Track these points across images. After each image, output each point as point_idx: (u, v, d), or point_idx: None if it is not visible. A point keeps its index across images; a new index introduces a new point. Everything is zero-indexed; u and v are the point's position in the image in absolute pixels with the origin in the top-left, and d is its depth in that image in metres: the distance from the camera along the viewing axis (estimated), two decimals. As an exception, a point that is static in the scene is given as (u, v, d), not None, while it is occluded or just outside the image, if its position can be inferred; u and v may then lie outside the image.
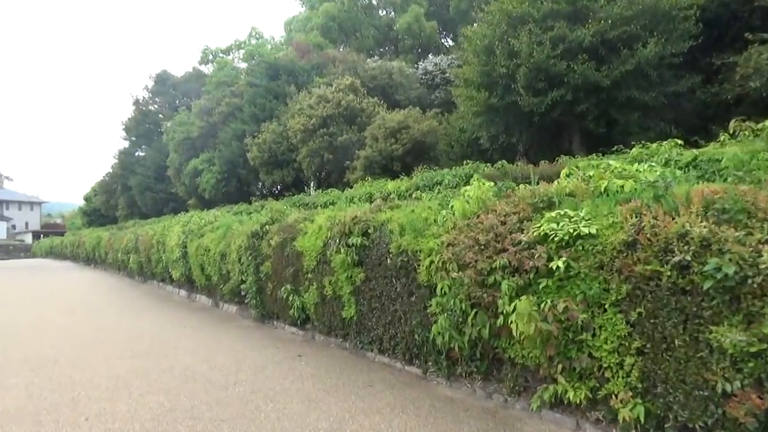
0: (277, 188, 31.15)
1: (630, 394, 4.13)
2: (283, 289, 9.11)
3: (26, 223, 79.97)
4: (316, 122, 23.92)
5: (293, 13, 51.38)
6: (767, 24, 12.24)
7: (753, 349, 3.43)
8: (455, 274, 5.44)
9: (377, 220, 7.36)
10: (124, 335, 9.37)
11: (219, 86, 36.50)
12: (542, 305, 4.58)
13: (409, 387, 5.92)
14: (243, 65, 47.44)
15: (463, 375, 5.83)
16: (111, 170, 54.39)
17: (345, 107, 23.98)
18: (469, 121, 16.24)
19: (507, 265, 4.98)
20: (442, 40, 43.93)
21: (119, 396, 5.86)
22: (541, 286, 4.71)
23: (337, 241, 7.64)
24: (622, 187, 5.02)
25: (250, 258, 10.28)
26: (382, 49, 42.90)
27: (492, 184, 6.45)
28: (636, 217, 4.30)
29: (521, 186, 6.40)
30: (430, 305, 5.99)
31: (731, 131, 7.47)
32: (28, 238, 71.38)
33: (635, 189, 4.85)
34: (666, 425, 3.96)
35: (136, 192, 45.17)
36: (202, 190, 32.27)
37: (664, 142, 8.48)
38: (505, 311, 4.91)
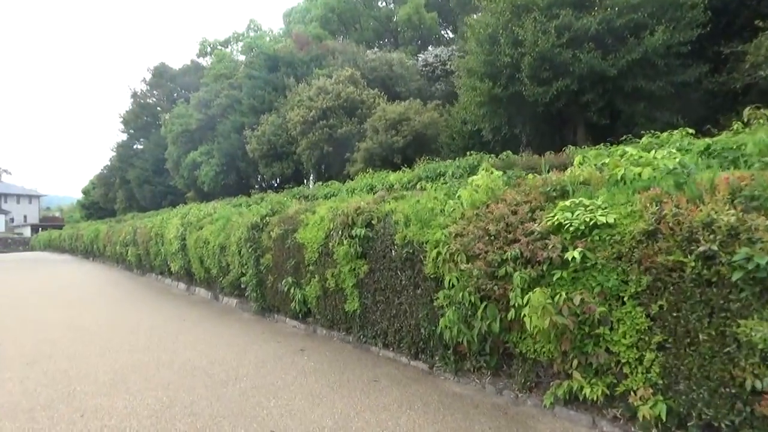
0: (276, 181, 30.91)
1: (650, 390, 3.95)
2: (284, 281, 8.92)
3: (25, 217, 79.67)
4: (316, 114, 23.66)
5: (292, 4, 51.11)
6: (777, 11, 12.02)
7: (786, 344, 3.25)
8: (464, 265, 5.24)
9: (381, 210, 7.16)
10: (122, 329, 9.17)
11: (217, 78, 36.17)
12: (557, 298, 4.39)
13: (416, 382, 5.74)
14: (241, 57, 47.05)
15: (472, 370, 5.65)
16: (109, 163, 54.19)
17: (345, 99, 23.72)
18: (472, 112, 16.00)
19: (519, 256, 4.79)
20: (443, 32, 43.56)
21: (116, 391, 5.67)
22: (555, 278, 4.51)
23: (340, 232, 7.44)
24: (640, 174, 4.81)
25: (250, 250, 10.08)
26: (381, 41, 42.52)
27: (500, 173, 6.24)
28: (656, 205, 4.10)
29: (530, 175, 6.21)
30: (437, 298, 5.80)
31: (745, 119, 7.25)
32: (27, 232, 71.13)
33: (654, 176, 4.65)
34: (689, 423, 3.78)
35: (135, 185, 44.95)
36: (201, 183, 32.05)
37: (675, 132, 8.26)
38: (516, 304, 4.72)
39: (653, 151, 5.20)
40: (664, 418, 3.81)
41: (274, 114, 27.39)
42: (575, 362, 4.39)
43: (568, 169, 5.42)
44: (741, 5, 12.99)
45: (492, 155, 12.08)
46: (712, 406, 3.63)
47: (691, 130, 8.25)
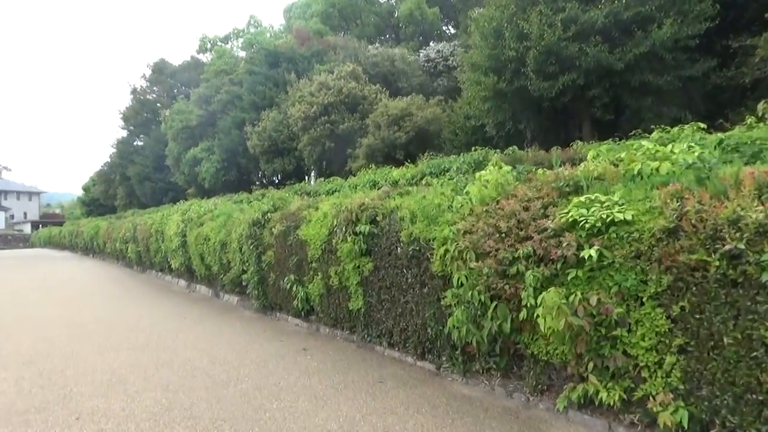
0: (277, 177, 30.77)
1: (670, 396, 3.77)
2: (286, 279, 8.74)
3: (25, 213, 79.56)
4: (317, 110, 23.48)
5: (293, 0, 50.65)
6: (788, 5, 11.79)
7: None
8: (473, 263, 5.07)
9: (386, 207, 6.97)
10: (121, 327, 9.00)
11: (218, 74, 35.97)
12: (571, 298, 4.21)
13: (423, 384, 5.56)
14: (242, 54, 46.80)
15: (481, 371, 5.47)
16: (109, 160, 54.04)
17: (346, 94, 23.54)
18: (476, 107, 15.80)
19: (531, 254, 4.61)
20: (444, 28, 43.31)
21: (114, 392, 5.50)
22: (569, 277, 4.33)
23: (344, 229, 7.26)
24: (657, 169, 4.62)
25: (251, 247, 9.90)
26: (382, 37, 42.24)
27: (509, 168, 6.06)
28: (677, 201, 3.92)
29: (540, 170, 6.02)
30: (445, 297, 5.62)
31: (760, 113, 7.06)
32: (27, 228, 71.01)
33: (673, 171, 4.46)
34: (712, 431, 3.60)
35: (135, 181, 44.80)
36: (201, 179, 31.87)
37: (686, 126, 8.07)
38: (529, 304, 4.54)
39: (670, 146, 5.00)
40: (685, 425, 3.64)
41: (275, 110, 27.21)
42: (591, 365, 4.21)
43: (581, 163, 5.23)
44: (750, -2, 12.79)
45: (497, 150, 11.89)
46: (737, 414, 3.45)
47: (702, 125, 8.06)
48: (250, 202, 17.10)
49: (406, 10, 37.58)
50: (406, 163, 14.70)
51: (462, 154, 12.54)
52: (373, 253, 6.91)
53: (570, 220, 4.44)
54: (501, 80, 13.44)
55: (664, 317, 3.84)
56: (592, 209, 4.33)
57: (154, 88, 50.59)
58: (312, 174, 29.93)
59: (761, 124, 7.19)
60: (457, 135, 20.15)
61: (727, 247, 3.45)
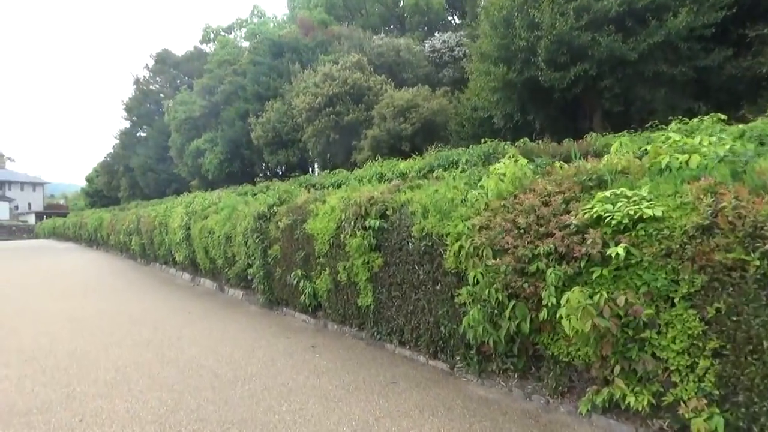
0: (281, 169, 30.52)
1: (704, 401, 3.57)
2: (293, 274, 8.56)
3: (29, 204, 79.62)
4: (322, 101, 23.18)
5: (296, -11, 50.08)
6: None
7: None
8: (490, 261, 4.86)
9: (396, 200, 6.76)
10: (124, 322, 8.85)
11: (221, 65, 35.59)
12: (596, 298, 4.00)
13: (437, 385, 5.38)
14: (245, 44, 46.38)
15: (497, 372, 5.27)
16: (113, 151, 53.91)
17: (351, 85, 23.21)
18: (484, 98, 15.51)
19: (552, 251, 4.39)
20: (450, 18, 42.80)
21: (118, 392, 5.34)
22: (594, 276, 4.12)
23: (353, 223, 7.06)
24: (687, 162, 4.39)
25: (257, 241, 9.72)
26: (387, 27, 41.77)
27: (526, 161, 5.83)
28: (711, 196, 3.70)
29: (557, 163, 5.79)
30: (459, 295, 5.43)
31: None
32: (31, 219, 71.12)
33: (705, 165, 4.23)
34: (749, 439, 3.41)
35: (138, 173, 44.63)
36: (205, 171, 31.66)
37: (705, 117, 7.81)
38: (550, 303, 4.34)
39: (698, 137, 4.77)
40: (721, 433, 3.44)
41: (279, 101, 26.93)
42: (617, 368, 4.01)
43: (604, 156, 5.00)
44: (768, -15, 12.41)
45: (507, 143, 11.63)
46: (777, 421, 3.25)
47: (722, 116, 7.80)
48: (255, 194, 16.91)
49: (411, 0, 37.10)
50: (414, 155, 14.45)
51: (471, 146, 12.28)
52: (383, 248, 6.71)
53: (594, 216, 4.22)
54: (511, 70, 13.14)
55: (697, 319, 3.63)
56: (618, 205, 4.11)
57: (157, 78, 50.26)
58: (315, 166, 29.71)
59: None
60: (464, 127, 19.87)
61: (768, 246, 3.24)
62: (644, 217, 3.93)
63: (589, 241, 4.12)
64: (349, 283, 7.37)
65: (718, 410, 3.51)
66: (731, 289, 3.46)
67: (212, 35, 53.71)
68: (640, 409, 3.89)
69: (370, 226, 6.71)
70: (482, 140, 12.64)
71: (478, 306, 5.07)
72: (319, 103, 23.10)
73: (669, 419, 3.83)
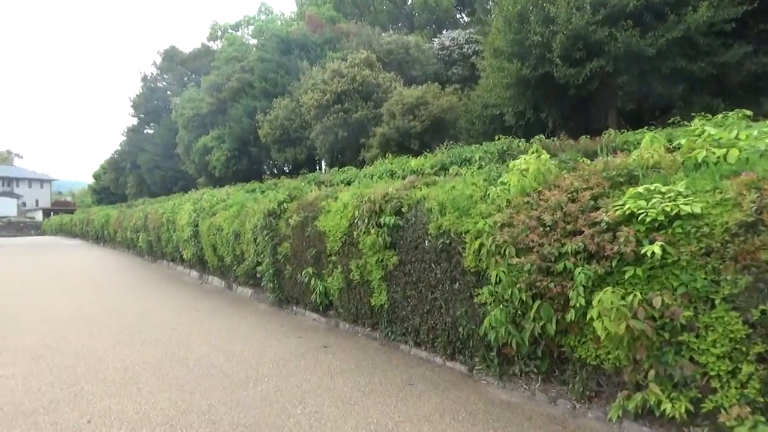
0: (288, 167, 30.39)
1: (747, 409, 3.36)
2: (303, 272, 8.38)
3: (36, 201, 79.95)
4: (330, 98, 23.02)
5: (304, -14, 49.92)
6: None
7: None
8: (514, 259, 4.66)
9: (412, 197, 6.56)
10: (132, 320, 8.71)
11: (229, 61, 35.51)
12: (629, 299, 3.80)
13: (456, 387, 5.18)
14: (253, 41, 46.29)
15: (519, 374, 5.08)
16: (120, 148, 54.07)
17: (360, 82, 23.04)
18: (497, 94, 15.26)
19: (581, 249, 4.19)
20: (458, 16, 42.53)
21: (127, 392, 5.18)
22: (626, 276, 3.92)
23: (366, 220, 6.87)
24: (724, 157, 4.18)
25: (266, 238, 9.55)
26: (395, 25, 41.58)
27: (548, 156, 5.61)
28: (755, 192, 3.49)
29: (581, 159, 5.58)
30: (479, 294, 5.24)
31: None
32: (39, 216, 71.40)
33: (746, 159, 4.01)
34: (798, 450, 3.20)
35: (145, 170, 44.66)
36: (212, 168, 31.57)
37: (730, 114, 7.55)
38: (578, 304, 4.14)
39: (734, 132, 4.55)
40: (767, 443, 3.24)
41: (287, 98, 26.79)
42: (652, 373, 3.80)
43: (634, 151, 4.79)
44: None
45: (521, 140, 11.41)
46: (830, 433, 3.05)
47: (748, 112, 7.54)
48: (263, 191, 16.75)
49: (420, -3, 36.92)
50: (425, 152, 14.24)
51: (484, 143, 12.06)
52: (398, 246, 6.52)
53: (626, 213, 4.02)
54: (524, 66, 12.90)
55: (740, 322, 3.42)
56: (653, 201, 3.90)
57: (165, 75, 50.30)
58: (323, 163, 29.55)
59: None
60: (474, 124, 19.65)
61: (822, 245, 3.03)
62: (681, 214, 3.72)
63: (621, 239, 3.92)
64: (362, 281, 7.18)
65: (763, 419, 3.30)
66: (779, 290, 3.25)
67: (220, 32, 53.67)
68: (676, 416, 3.68)
69: (384, 224, 6.53)
70: (493, 138, 12.44)
71: (500, 306, 4.88)
72: (327, 100, 22.95)
73: (707, 427, 3.63)
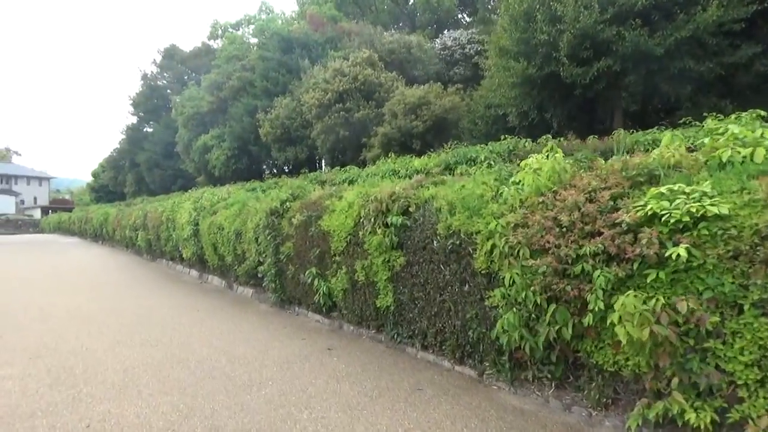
0: (289, 166, 30.23)
1: (777, 420, 3.22)
2: (307, 272, 8.22)
3: (35, 198, 79.69)
4: (332, 97, 22.89)
5: (306, -15, 49.76)
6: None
7: None
8: (529, 261, 4.51)
9: (420, 196, 6.41)
10: (132, 319, 8.55)
11: (229, 60, 35.36)
12: (651, 303, 3.65)
13: (466, 392, 5.03)
14: (253, 40, 46.14)
15: (531, 380, 4.93)
16: (119, 146, 53.89)
17: (362, 82, 22.92)
18: (502, 94, 15.11)
19: (600, 251, 4.04)
20: (459, 16, 42.41)
21: (127, 395, 5.02)
22: (648, 280, 3.77)
23: (372, 220, 6.72)
24: (750, 156, 4.03)
25: (268, 238, 9.39)
26: (397, 24, 41.45)
27: (562, 154, 5.46)
28: (786, 193, 3.35)
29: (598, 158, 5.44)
30: (490, 297, 5.09)
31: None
32: (37, 214, 71.12)
33: (774, 158, 3.87)
34: (832, 464, 3.05)
35: (144, 168, 44.50)
36: (212, 167, 31.41)
37: (743, 114, 7.42)
38: (597, 308, 3.99)
39: (759, 131, 4.41)
40: (799, 457, 3.09)
41: (288, 97, 26.63)
42: (675, 380, 3.65)
43: (654, 150, 4.65)
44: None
45: (527, 140, 11.26)
46: None
47: (762, 113, 7.40)
48: (264, 190, 16.60)
49: (422, -3, 36.77)
50: (429, 152, 14.10)
51: (489, 143, 11.91)
52: (405, 246, 6.37)
53: (648, 213, 3.87)
54: (531, 65, 12.77)
55: (770, 329, 3.27)
56: (677, 202, 3.75)
57: (165, 74, 50.14)
58: (324, 163, 29.39)
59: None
60: (477, 125, 19.52)
61: None
62: (708, 215, 3.57)
63: (644, 241, 3.76)
64: (368, 282, 7.03)
65: (795, 431, 3.15)
66: (813, 296, 3.10)
67: (220, 31, 53.56)
68: (701, 426, 3.53)
69: (391, 223, 6.38)
70: (495, 138, 12.31)
71: (513, 309, 4.73)
72: (329, 100, 22.81)
73: (734, 438, 3.48)
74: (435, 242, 5.88)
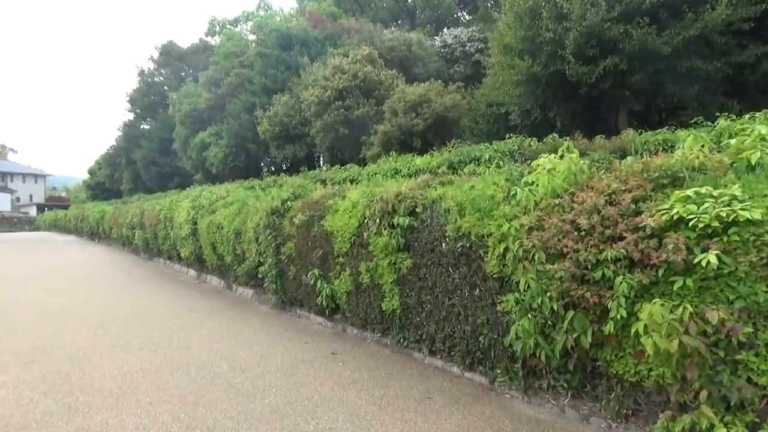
0: (287, 164, 29.98)
1: (815, 437, 3.05)
2: (309, 274, 8.03)
3: (30, 196, 79.16)
4: (332, 94, 22.66)
5: (304, -18, 49.44)
6: None
7: None
8: (547, 265, 4.33)
9: (427, 197, 6.22)
10: (129, 321, 8.35)
11: (227, 57, 35.04)
12: (678, 312, 3.47)
13: (478, 401, 4.85)
14: (251, 37, 45.83)
15: (546, 388, 4.75)
16: (115, 143, 53.55)
17: (362, 79, 22.70)
18: (506, 92, 14.90)
19: (622, 257, 3.86)
20: (459, 14, 42.20)
21: (125, 404, 4.83)
22: (674, 287, 3.59)
23: (378, 221, 6.53)
24: (781, 158, 3.86)
25: (269, 238, 9.18)
26: (396, 22, 41.21)
27: (577, 154, 5.28)
28: (824, 198, 3.17)
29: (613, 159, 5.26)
30: (502, 301, 4.91)
31: None
32: (33, 211, 70.60)
33: (807, 161, 3.70)
34: None
35: (141, 166, 44.18)
36: (209, 165, 31.15)
37: (758, 114, 7.27)
38: (619, 316, 3.81)
39: (787, 131, 4.24)
40: (840, 477, 2.92)
41: (287, 94, 26.38)
42: (704, 393, 3.48)
43: (677, 150, 4.47)
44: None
45: (532, 139, 11.08)
46: None
47: (776, 113, 7.26)
48: (263, 188, 16.38)
49: (423, -6, 36.55)
50: (431, 151, 13.90)
51: (494, 142, 11.72)
52: (412, 248, 6.18)
53: (674, 217, 3.69)
54: (536, 63, 12.58)
55: (807, 341, 3.10)
56: (705, 206, 3.58)
57: (162, 70, 49.80)
58: (321, 161, 29.16)
59: None
60: (478, 123, 19.33)
61: None
62: (739, 220, 3.39)
63: (670, 247, 3.58)
64: (373, 285, 6.84)
65: (835, 449, 2.99)
66: None
67: (218, 28, 53.21)
68: (730, 441, 3.36)
69: (398, 224, 6.19)
70: (497, 137, 12.13)
71: (528, 315, 4.55)
72: (328, 97, 22.59)
73: (766, 455, 3.31)
74: (444, 244, 5.69)
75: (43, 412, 4.62)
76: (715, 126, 7.38)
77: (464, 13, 42.37)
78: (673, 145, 7.78)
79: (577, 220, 4.26)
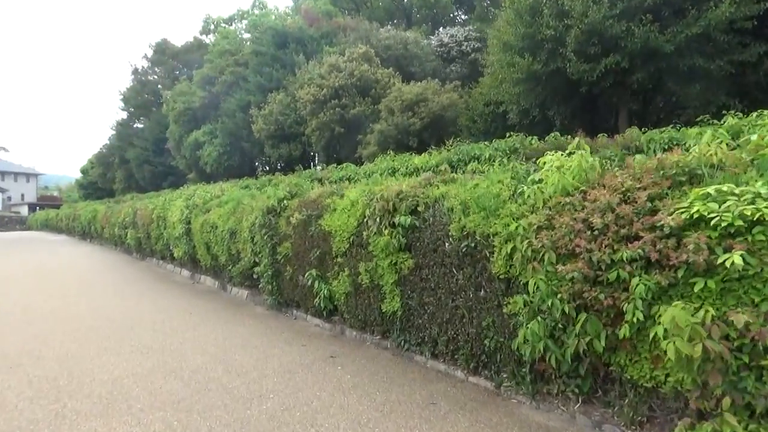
0: (282, 163, 29.72)
1: None
2: (306, 274, 7.82)
3: (22, 195, 78.40)
4: (327, 93, 22.44)
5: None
6: None
7: None
8: (558, 266, 4.15)
9: (429, 195, 6.03)
10: (120, 322, 8.11)
11: (222, 55, 34.72)
12: (701, 315, 3.30)
13: (484, 407, 4.66)
14: (247, 35, 45.50)
15: (555, 394, 4.57)
16: (108, 142, 53.10)
17: (358, 77, 22.49)
18: (505, 90, 14.73)
19: (639, 257, 3.68)
20: (455, 13, 42.07)
21: (115, 410, 4.60)
22: (695, 289, 3.42)
23: (378, 220, 6.34)
24: (804, 155, 3.69)
25: (265, 237, 8.97)
26: (392, 21, 41.01)
27: (589, 151, 5.10)
28: None
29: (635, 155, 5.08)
30: (509, 303, 4.73)
31: None
32: (24, 210, 69.89)
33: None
34: None
35: (134, 165, 43.78)
36: (203, 164, 30.83)
37: (765, 111, 7.14)
38: (635, 319, 3.63)
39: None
40: None
41: (283, 92, 26.13)
42: (726, 400, 3.30)
43: (693, 147, 4.30)
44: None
45: (534, 138, 10.91)
46: None
47: (784, 111, 7.13)
48: (258, 188, 16.15)
49: (419, -7, 36.38)
50: (429, 150, 13.71)
51: (493, 140, 11.55)
52: (413, 248, 5.99)
53: (694, 216, 3.52)
54: (536, 61, 12.42)
55: (839, 346, 2.93)
56: (727, 204, 3.40)
57: (156, 69, 49.38)
58: (317, 160, 28.93)
59: None
60: (475, 122, 19.17)
61: None
62: (764, 218, 3.22)
63: (690, 247, 3.41)
64: (372, 285, 6.65)
65: None
66: None
67: (212, 26, 52.81)
68: (756, 452, 3.19)
69: (399, 224, 6.00)
70: (494, 136, 11.96)
71: (537, 318, 4.36)
72: (324, 95, 22.36)
73: (794, 467, 3.13)
74: (447, 244, 5.51)
75: (29, 420, 4.39)
76: (722, 124, 7.24)
77: (460, 13, 42.24)
78: (679, 143, 7.62)
79: (590, 219, 4.08)
